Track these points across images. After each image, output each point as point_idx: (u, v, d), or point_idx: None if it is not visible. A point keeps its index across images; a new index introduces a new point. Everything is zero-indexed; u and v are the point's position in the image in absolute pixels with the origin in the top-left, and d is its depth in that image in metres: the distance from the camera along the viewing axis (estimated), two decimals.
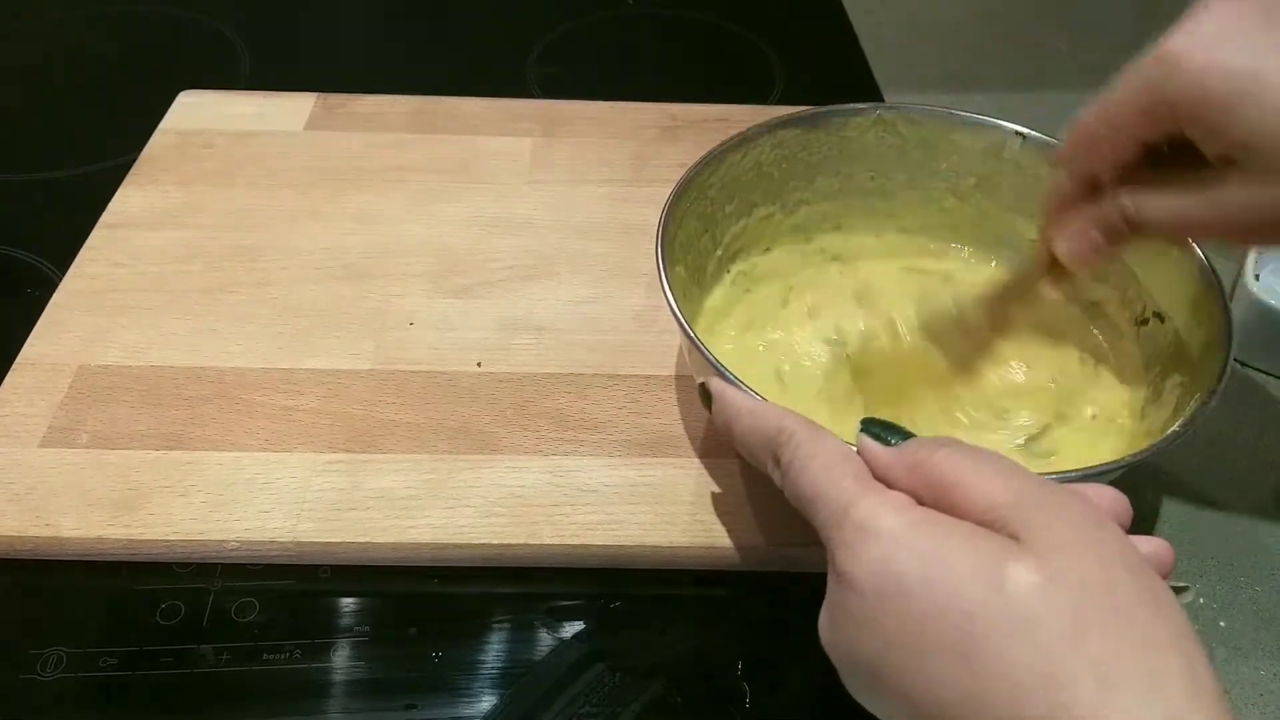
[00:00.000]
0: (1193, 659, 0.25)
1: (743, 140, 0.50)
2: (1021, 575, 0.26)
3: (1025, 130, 0.50)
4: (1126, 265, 0.48)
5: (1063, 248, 0.42)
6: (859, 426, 0.32)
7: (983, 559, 0.26)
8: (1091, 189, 0.40)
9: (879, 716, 0.29)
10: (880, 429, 0.32)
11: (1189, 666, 0.25)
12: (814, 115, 0.52)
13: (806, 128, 0.51)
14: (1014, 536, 0.27)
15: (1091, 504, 0.29)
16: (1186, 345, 0.44)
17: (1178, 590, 0.27)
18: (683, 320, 0.41)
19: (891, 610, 0.27)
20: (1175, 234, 0.43)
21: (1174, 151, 0.37)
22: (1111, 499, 0.31)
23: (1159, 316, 0.46)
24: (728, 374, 0.38)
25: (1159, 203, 0.38)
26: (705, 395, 0.38)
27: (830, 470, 0.31)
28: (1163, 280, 0.46)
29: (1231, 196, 0.35)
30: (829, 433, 0.33)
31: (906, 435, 0.32)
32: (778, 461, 0.33)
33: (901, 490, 0.30)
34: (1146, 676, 0.24)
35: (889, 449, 0.31)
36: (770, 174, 0.52)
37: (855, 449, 0.32)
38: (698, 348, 0.40)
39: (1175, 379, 0.44)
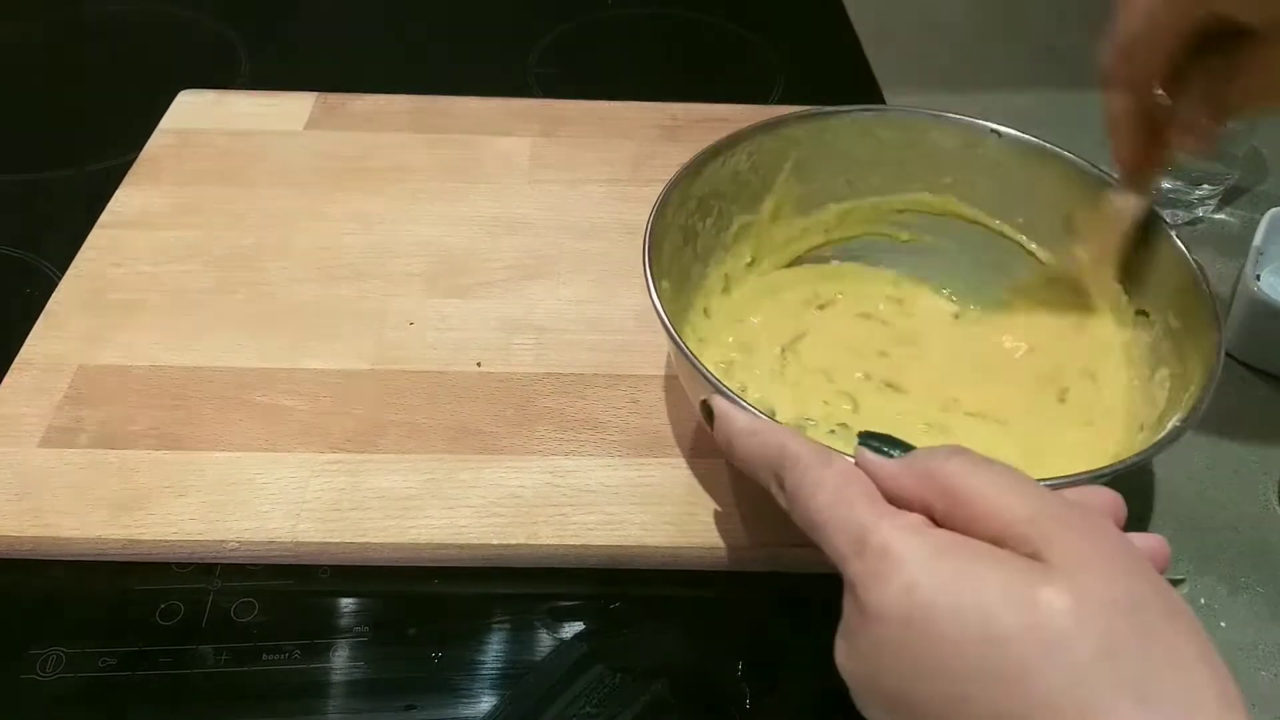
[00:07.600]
0: (1219, 673, 0.25)
1: (718, 150, 0.48)
2: (1052, 598, 0.25)
3: (1001, 128, 0.49)
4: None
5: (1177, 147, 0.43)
6: (857, 440, 0.32)
7: (1012, 583, 0.26)
8: (1145, 102, 0.42)
9: None
10: (879, 441, 0.32)
11: (1218, 680, 0.25)
12: (788, 119, 0.50)
13: (780, 133, 0.50)
14: (1035, 555, 0.27)
15: (1100, 517, 0.29)
16: (1175, 336, 0.43)
17: (1175, 583, 0.27)
18: (675, 336, 0.40)
19: (919, 638, 0.27)
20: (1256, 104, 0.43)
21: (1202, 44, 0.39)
22: (1110, 501, 0.31)
23: (1143, 313, 0.46)
24: (725, 389, 0.37)
25: (1228, 88, 0.39)
26: (707, 412, 0.37)
27: (841, 493, 0.30)
28: (1147, 277, 0.46)
29: None
30: (834, 452, 0.32)
31: (907, 447, 0.31)
32: (781, 485, 0.33)
33: (912, 502, 0.30)
34: (1181, 694, 0.24)
35: (894, 461, 0.31)
36: (749, 181, 0.50)
37: (854, 460, 0.32)
38: (695, 366, 0.38)
39: (1164, 372, 0.43)
